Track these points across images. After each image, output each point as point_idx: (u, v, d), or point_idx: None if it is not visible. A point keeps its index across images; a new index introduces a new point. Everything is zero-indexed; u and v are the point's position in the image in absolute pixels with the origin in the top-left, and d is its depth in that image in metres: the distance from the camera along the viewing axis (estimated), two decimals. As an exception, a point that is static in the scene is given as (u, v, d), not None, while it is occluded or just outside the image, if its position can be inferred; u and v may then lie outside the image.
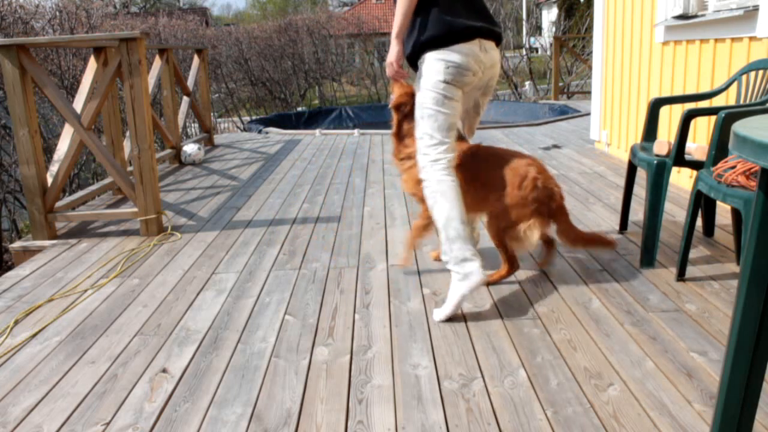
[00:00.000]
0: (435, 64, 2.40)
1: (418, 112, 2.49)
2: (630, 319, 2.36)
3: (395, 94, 2.72)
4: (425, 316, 2.48)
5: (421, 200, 2.65)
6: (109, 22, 9.95)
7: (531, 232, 2.55)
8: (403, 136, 2.73)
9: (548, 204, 2.58)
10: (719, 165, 2.44)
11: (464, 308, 2.52)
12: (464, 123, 2.78)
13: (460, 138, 2.71)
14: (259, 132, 9.03)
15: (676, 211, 3.75)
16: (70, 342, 2.42)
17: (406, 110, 2.68)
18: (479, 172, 2.64)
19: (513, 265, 2.72)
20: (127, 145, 4.96)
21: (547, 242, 2.86)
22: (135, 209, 3.80)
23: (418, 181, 2.63)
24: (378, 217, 3.99)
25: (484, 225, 2.91)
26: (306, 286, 2.85)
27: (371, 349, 2.23)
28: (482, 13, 2.50)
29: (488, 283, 2.74)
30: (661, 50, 4.66)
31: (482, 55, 2.44)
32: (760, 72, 3.00)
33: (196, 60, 7.26)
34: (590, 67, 6.87)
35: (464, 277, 2.37)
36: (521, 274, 2.87)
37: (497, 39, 2.54)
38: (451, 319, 2.44)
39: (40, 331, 2.53)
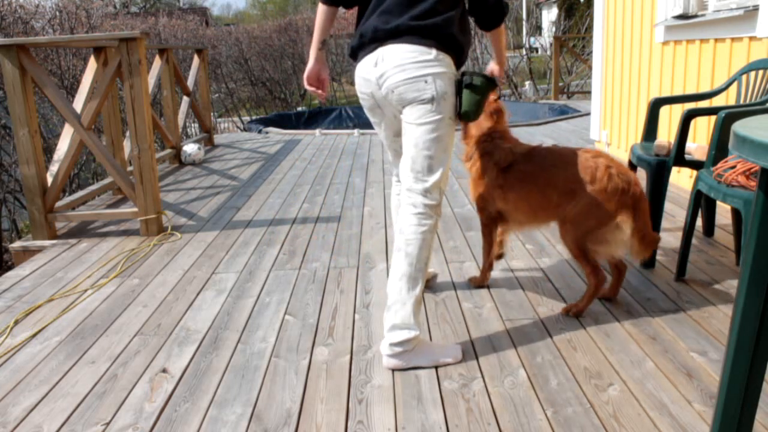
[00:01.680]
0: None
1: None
2: (630, 319, 2.36)
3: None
4: (425, 316, 2.48)
5: (481, 211, 2.54)
6: (109, 22, 9.96)
7: (621, 229, 2.21)
8: (464, 134, 2.55)
9: (630, 192, 2.23)
10: (719, 165, 2.44)
11: (464, 308, 2.52)
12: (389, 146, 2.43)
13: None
14: (259, 132, 9.03)
15: (676, 211, 3.75)
16: (70, 342, 2.42)
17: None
18: (538, 175, 2.35)
19: (599, 277, 2.32)
20: (127, 145, 4.96)
21: (617, 265, 2.48)
22: (135, 209, 3.80)
23: (477, 187, 2.49)
24: (378, 216, 3.99)
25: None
26: (306, 286, 2.85)
27: (371, 349, 2.23)
28: (397, 7, 2.05)
29: (580, 315, 2.40)
30: (661, 50, 4.66)
31: (374, 69, 2.08)
32: (760, 72, 3.00)
33: (196, 60, 7.26)
34: (590, 67, 6.87)
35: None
36: (521, 274, 2.87)
37: (400, 35, 2.04)
38: (451, 319, 2.44)
39: (40, 331, 2.53)
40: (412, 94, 2.03)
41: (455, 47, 2.08)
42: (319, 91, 2.30)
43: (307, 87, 2.30)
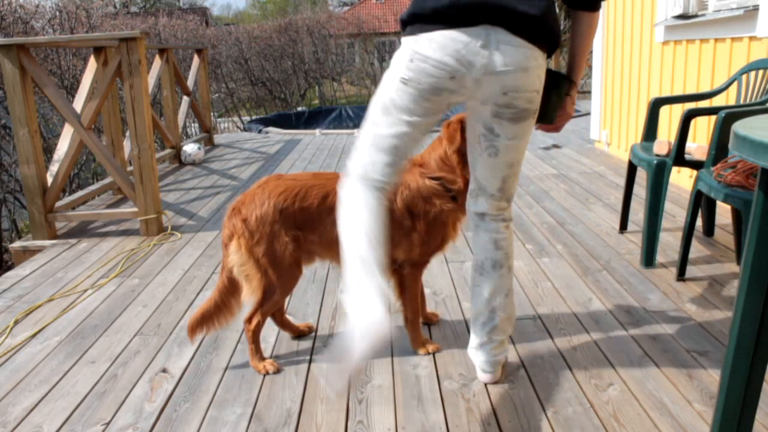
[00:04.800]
0: (402, 52, 1.71)
1: (374, 101, 1.80)
2: (630, 319, 2.36)
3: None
4: (425, 316, 2.48)
5: None
6: (109, 22, 9.96)
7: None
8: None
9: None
10: (719, 165, 2.44)
11: (463, 308, 2.52)
12: (473, 163, 1.88)
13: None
14: (259, 132, 9.03)
15: (676, 211, 3.75)
16: (70, 342, 2.42)
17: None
18: None
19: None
20: (127, 145, 4.96)
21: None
22: (135, 209, 3.80)
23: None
24: (378, 217, 3.98)
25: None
26: (306, 286, 2.85)
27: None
28: None
29: None
30: (661, 50, 4.66)
31: (481, 51, 1.59)
32: (760, 72, 3.00)
33: (196, 60, 7.26)
34: (590, 67, 6.86)
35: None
36: (521, 274, 2.87)
37: (525, 30, 1.61)
38: (451, 319, 2.44)
39: (40, 331, 2.53)
40: (524, 105, 1.70)
41: (555, 47, 1.71)
42: None
43: None
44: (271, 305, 2.08)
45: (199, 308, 2.10)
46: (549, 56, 1.72)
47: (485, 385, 1.96)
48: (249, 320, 2.08)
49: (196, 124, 8.87)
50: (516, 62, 1.61)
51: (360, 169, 1.82)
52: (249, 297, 2.05)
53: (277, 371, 2.10)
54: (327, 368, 2.07)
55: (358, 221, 1.75)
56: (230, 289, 2.08)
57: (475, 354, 1.98)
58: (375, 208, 1.76)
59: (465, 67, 1.62)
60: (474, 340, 1.97)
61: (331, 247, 2.08)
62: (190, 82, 6.97)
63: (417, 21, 1.66)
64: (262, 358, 2.13)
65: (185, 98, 6.97)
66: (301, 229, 2.04)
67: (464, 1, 1.59)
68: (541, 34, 1.63)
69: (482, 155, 1.81)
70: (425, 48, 1.63)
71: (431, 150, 2.09)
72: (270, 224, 2.00)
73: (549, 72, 1.76)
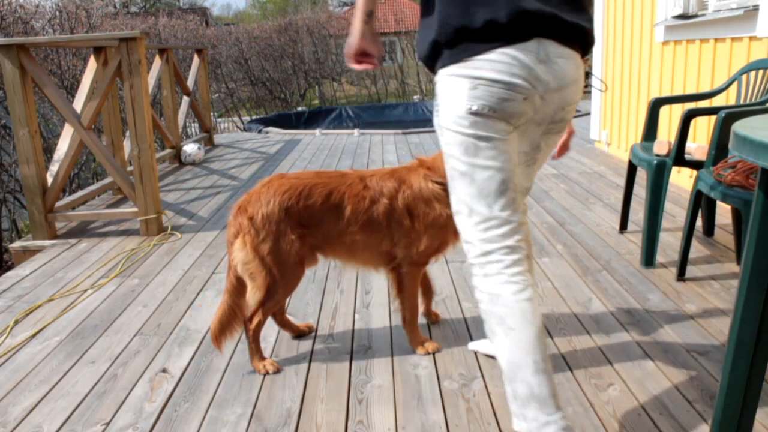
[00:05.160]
0: (454, 83, 1.47)
1: (446, 168, 1.59)
2: (630, 319, 2.36)
3: None
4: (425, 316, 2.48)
5: None
6: (109, 22, 9.96)
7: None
8: None
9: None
10: (719, 165, 2.44)
11: (463, 308, 2.52)
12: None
13: None
14: (259, 132, 9.03)
15: (676, 211, 3.75)
16: (70, 342, 2.42)
17: None
18: None
19: None
20: (127, 145, 4.96)
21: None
22: (135, 209, 3.80)
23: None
24: (378, 217, 3.98)
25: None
26: (306, 286, 2.85)
27: (371, 349, 2.23)
28: None
29: None
30: (661, 50, 4.66)
31: (541, 68, 1.44)
32: (760, 72, 3.00)
33: (196, 60, 7.26)
34: (590, 67, 6.88)
35: None
36: (521, 274, 2.87)
37: (577, 40, 1.51)
38: (451, 319, 2.44)
39: (40, 331, 2.53)
40: (570, 117, 1.61)
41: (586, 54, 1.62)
42: (368, 66, 1.72)
43: (352, 65, 1.71)
44: (273, 304, 2.08)
45: (216, 316, 2.09)
46: None
47: (485, 385, 1.96)
48: (250, 319, 2.08)
49: (196, 124, 8.87)
50: (571, 75, 1.50)
51: (479, 233, 1.52)
52: (252, 295, 2.05)
53: (277, 371, 2.10)
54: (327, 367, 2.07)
55: (513, 340, 1.46)
56: (239, 289, 2.08)
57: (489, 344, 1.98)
58: (527, 309, 1.47)
59: (533, 86, 1.45)
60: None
61: (334, 245, 2.10)
62: (190, 82, 6.97)
63: (465, 39, 1.44)
64: (262, 358, 2.13)
65: (185, 98, 6.97)
66: (305, 227, 2.04)
67: (521, 8, 1.41)
68: (587, 44, 1.54)
69: (518, 166, 1.65)
70: (487, 71, 1.42)
71: (436, 158, 2.06)
72: (276, 222, 2.00)
73: None
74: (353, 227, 2.05)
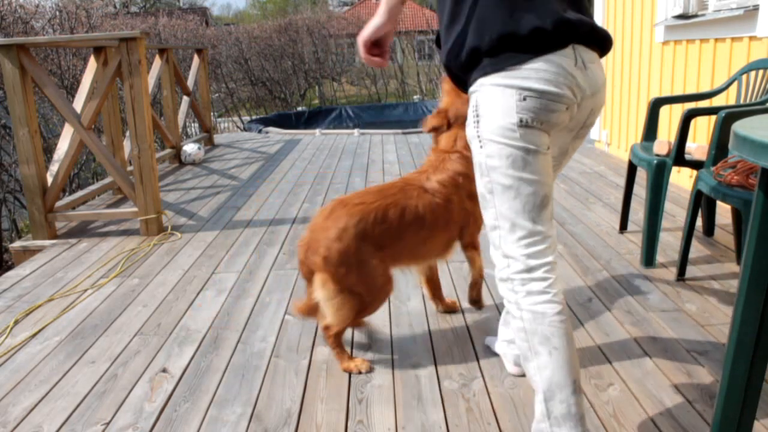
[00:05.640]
0: (500, 93, 1.43)
1: (483, 182, 1.52)
2: (630, 319, 2.36)
3: (443, 104, 2.13)
4: (425, 316, 2.48)
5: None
6: (109, 22, 9.96)
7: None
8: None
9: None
10: (719, 165, 2.44)
11: (463, 308, 2.52)
12: None
13: None
14: (259, 132, 9.03)
15: (676, 211, 3.75)
16: (70, 342, 2.42)
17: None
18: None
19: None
20: (127, 144, 4.96)
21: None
22: (135, 209, 3.80)
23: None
24: (378, 216, 3.98)
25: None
26: (306, 286, 2.85)
27: (371, 349, 2.23)
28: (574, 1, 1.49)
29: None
30: (661, 50, 4.66)
31: (579, 74, 1.44)
32: (760, 72, 3.00)
33: (196, 60, 7.26)
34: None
35: None
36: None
37: (601, 45, 1.51)
38: (451, 318, 2.44)
39: (40, 330, 2.53)
40: (595, 121, 1.62)
41: None
42: (377, 59, 1.71)
43: (363, 57, 1.70)
44: (359, 319, 2.10)
45: (305, 304, 2.13)
46: None
47: (485, 385, 1.96)
48: (336, 334, 2.06)
49: (196, 124, 8.87)
50: (601, 79, 1.51)
51: (523, 248, 1.48)
52: (335, 313, 2.01)
53: (370, 370, 2.07)
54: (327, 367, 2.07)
55: (556, 360, 1.46)
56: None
57: (507, 347, 2.00)
58: (569, 330, 1.48)
59: (575, 94, 1.44)
60: (506, 333, 1.99)
61: (410, 254, 2.13)
62: (190, 82, 6.97)
63: (509, 48, 1.40)
64: (351, 358, 2.10)
65: (185, 98, 6.97)
66: (384, 248, 2.00)
67: (564, 18, 1.40)
68: (607, 47, 1.53)
69: None
70: (535, 82, 1.39)
71: (457, 139, 2.12)
72: (354, 254, 1.94)
73: None
74: (431, 233, 2.08)
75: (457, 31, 1.46)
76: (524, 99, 1.40)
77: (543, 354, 1.47)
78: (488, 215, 1.52)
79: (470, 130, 1.52)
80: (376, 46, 1.66)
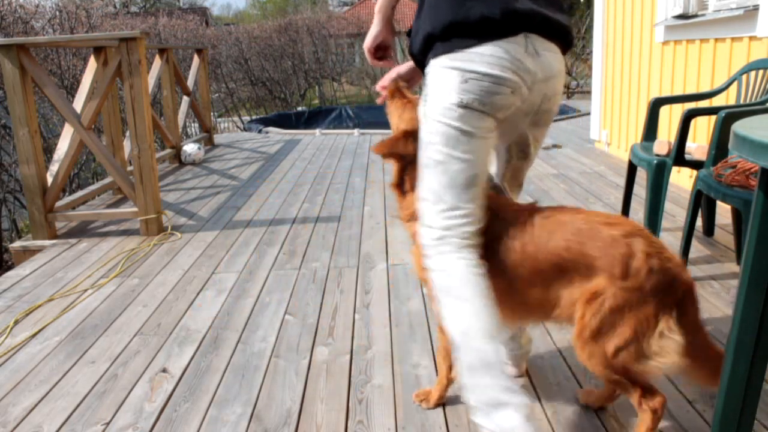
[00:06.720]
0: (445, 75, 1.50)
1: (422, 155, 1.59)
2: (630, 319, 2.36)
3: (393, 124, 1.79)
4: (425, 316, 2.48)
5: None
6: (109, 22, 9.96)
7: (668, 338, 1.50)
8: (407, 189, 1.73)
9: (675, 289, 1.51)
10: (719, 165, 2.44)
11: (464, 308, 2.52)
12: (503, 169, 1.78)
13: (496, 192, 1.71)
14: (259, 132, 9.03)
15: (676, 211, 3.75)
16: (70, 342, 2.42)
17: (409, 157, 1.69)
18: (534, 257, 1.55)
19: (654, 396, 1.57)
20: (127, 144, 4.96)
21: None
22: (135, 209, 3.80)
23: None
24: (378, 216, 3.98)
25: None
26: (306, 286, 2.85)
27: (371, 349, 2.23)
28: None
29: None
30: (661, 50, 4.66)
31: (529, 60, 1.50)
32: (760, 72, 3.00)
33: (196, 60, 7.26)
34: (590, 67, 6.88)
35: None
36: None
37: (560, 36, 1.57)
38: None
39: (40, 330, 2.53)
40: (556, 108, 1.66)
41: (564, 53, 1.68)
42: (383, 62, 1.79)
43: (371, 62, 1.78)
44: None
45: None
46: None
47: (485, 385, 1.96)
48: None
49: (196, 124, 8.87)
50: (555, 67, 1.57)
51: (442, 220, 1.56)
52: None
53: None
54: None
55: (465, 310, 1.51)
56: None
57: (505, 347, 1.98)
58: (480, 283, 1.52)
59: (522, 78, 1.50)
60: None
61: None
62: (190, 82, 6.97)
63: (458, 34, 1.48)
64: None
65: (185, 98, 6.97)
66: None
67: (518, 8, 1.47)
68: (568, 41, 1.61)
69: (511, 161, 1.73)
70: (479, 65, 1.46)
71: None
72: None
73: None
74: None
75: (419, 20, 1.57)
76: (466, 81, 1.47)
77: (452, 306, 1.54)
78: (420, 187, 1.61)
79: (420, 107, 1.62)
80: (379, 49, 1.77)
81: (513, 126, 1.63)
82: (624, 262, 1.47)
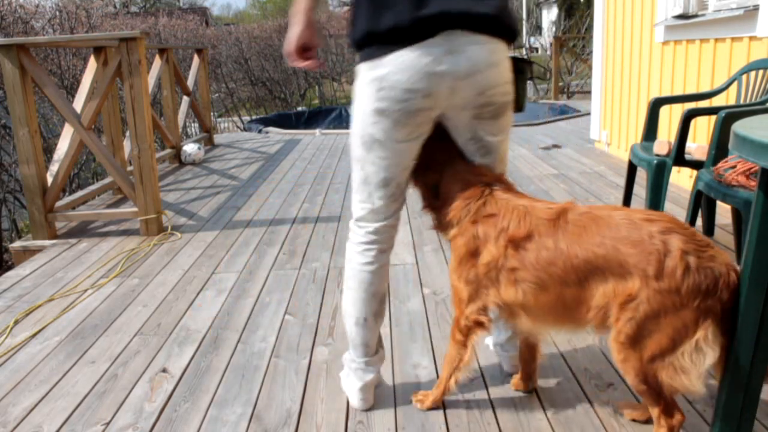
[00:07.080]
0: (364, 82, 1.59)
1: (350, 146, 1.73)
2: (630, 319, 2.36)
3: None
4: (425, 316, 2.48)
5: (466, 304, 1.69)
6: (109, 22, 9.96)
7: (702, 351, 1.42)
8: (437, 205, 1.76)
9: (719, 293, 1.40)
10: (719, 165, 2.44)
11: (464, 308, 2.52)
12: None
13: (507, 188, 1.68)
14: (259, 132, 9.03)
15: (676, 211, 3.75)
16: (70, 342, 2.42)
17: (431, 182, 1.77)
18: (568, 256, 1.49)
19: (673, 415, 1.52)
20: (127, 144, 4.95)
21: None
22: (135, 209, 3.80)
23: (464, 269, 1.67)
24: (378, 216, 3.98)
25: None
26: (306, 286, 2.85)
27: (371, 349, 2.22)
28: None
29: None
30: (661, 50, 4.66)
31: (447, 59, 1.51)
32: (760, 72, 3.00)
33: (196, 60, 7.26)
34: (590, 67, 6.89)
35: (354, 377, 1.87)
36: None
37: (489, 26, 1.56)
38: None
39: (40, 330, 2.53)
40: (502, 99, 1.64)
41: (513, 38, 1.67)
42: (312, 64, 1.75)
43: (294, 63, 1.74)
44: None
45: None
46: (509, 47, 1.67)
47: (485, 385, 1.96)
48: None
49: (196, 124, 8.86)
50: (483, 60, 1.55)
51: (357, 210, 1.78)
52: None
53: None
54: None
55: (347, 297, 1.83)
56: None
57: (501, 349, 2.02)
58: (366, 279, 1.78)
59: (436, 81, 1.53)
60: (502, 335, 1.99)
61: None
62: (190, 82, 6.97)
63: (374, 42, 1.55)
64: None
65: (185, 98, 6.97)
66: None
67: (425, 14, 1.49)
68: (500, 29, 1.58)
69: (474, 158, 1.72)
70: (391, 73, 1.53)
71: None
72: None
73: (511, 59, 1.69)
74: None
75: (353, 18, 1.64)
76: (381, 89, 1.55)
77: (345, 291, 1.83)
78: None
79: (352, 108, 1.72)
80: (305, 50, 1.74)
81: (454, 123, 1.67)
82: (658, 260, 1.39)
